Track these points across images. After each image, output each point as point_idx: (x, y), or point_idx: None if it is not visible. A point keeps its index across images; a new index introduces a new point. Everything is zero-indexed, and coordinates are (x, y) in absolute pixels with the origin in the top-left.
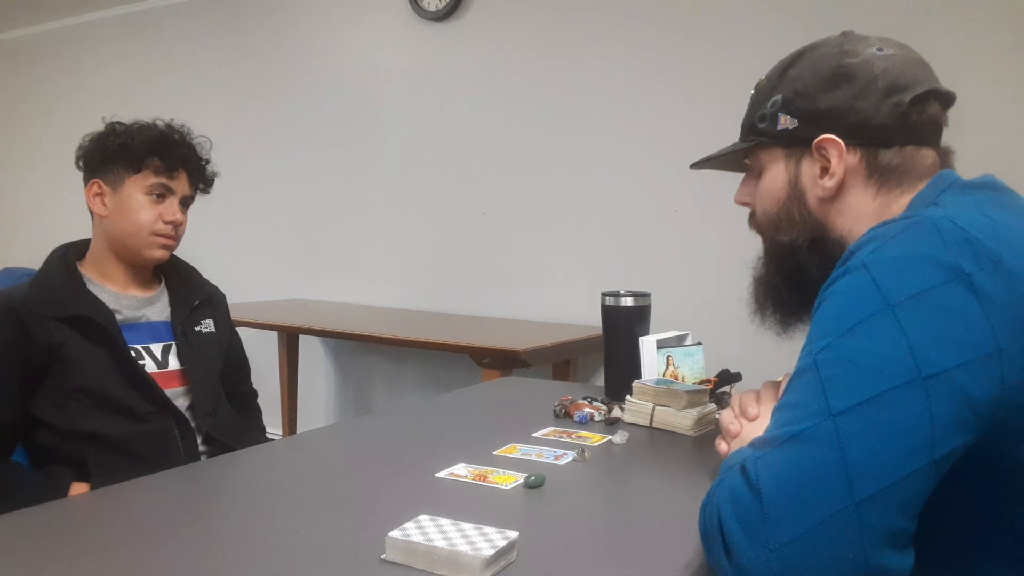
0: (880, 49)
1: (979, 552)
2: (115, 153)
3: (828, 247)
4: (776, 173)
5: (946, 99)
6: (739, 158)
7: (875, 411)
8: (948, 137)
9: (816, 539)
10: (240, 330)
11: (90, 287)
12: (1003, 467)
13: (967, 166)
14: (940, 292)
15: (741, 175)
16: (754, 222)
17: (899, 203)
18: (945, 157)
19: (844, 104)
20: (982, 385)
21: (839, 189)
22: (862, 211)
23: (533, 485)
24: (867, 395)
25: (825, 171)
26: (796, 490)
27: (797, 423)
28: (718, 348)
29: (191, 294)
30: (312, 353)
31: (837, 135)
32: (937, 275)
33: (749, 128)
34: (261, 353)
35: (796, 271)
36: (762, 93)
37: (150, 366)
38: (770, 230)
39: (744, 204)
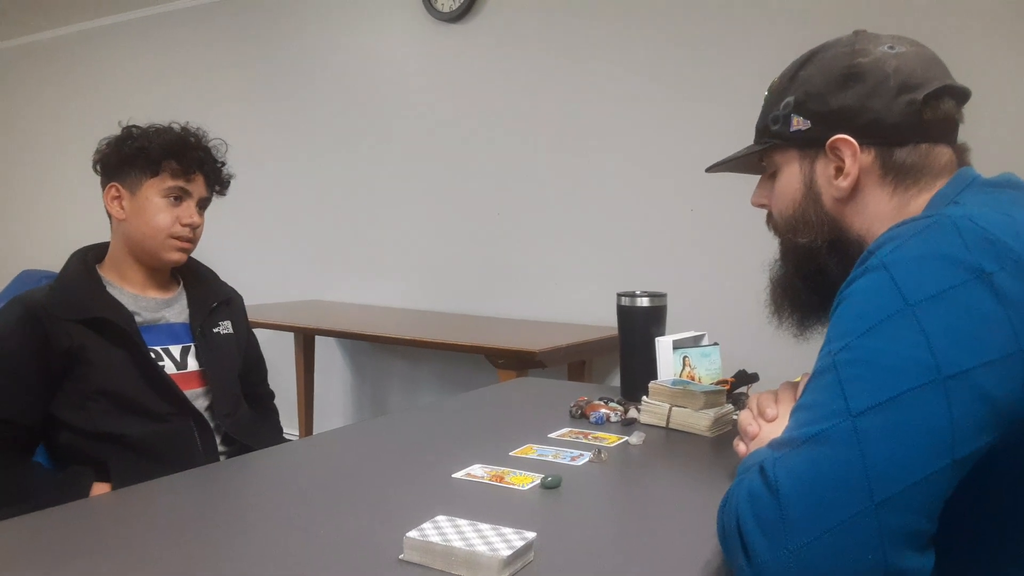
0: (892, 47)
1: (1004, 553)
2: (132, 157)
3: (846, 247)
4: (791, 174)
5: (960, 95)
6: (755, 160)
7: (895, 412)
8: (964, 133)
9: (835, 541)
10: (256, 331)
11: (109, 290)
12: None
13: (984, 163)
14: (960, 292)
15: (757, 174)
16: (771, 223)
17: (916, 202)
18: (962, 154)
19: (856, 104)
20: (1003, 386)
21: (855, 189)
22: (879, 210)
23: (550, 486)
24: (887, 395)
25: (839, 171)
26: (815, 491)
27: (816, 424)
28: (735, 348)
29: (209, 296)
30: (328, 354)
31: (850, 135)
32: (957, 275)
33: (763, 130)
34: (277, 354)
35: (815, 272)
36: (775, 95)
37: (169, 367)
38: (787, 232)
39: (761, 206)
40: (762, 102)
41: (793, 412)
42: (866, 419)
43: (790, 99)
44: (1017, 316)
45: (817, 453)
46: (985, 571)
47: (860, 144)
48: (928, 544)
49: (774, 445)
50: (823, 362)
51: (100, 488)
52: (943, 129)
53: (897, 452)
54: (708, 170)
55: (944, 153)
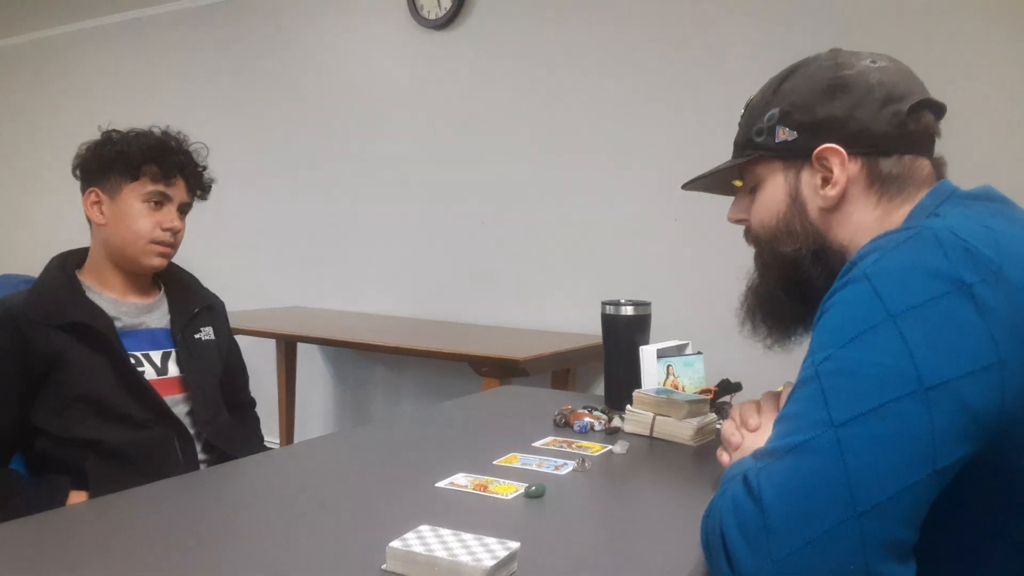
0: (874, 62)
1: (978, 562)
2: (112, 161)
3: (830, 257)
4: (775, 186)
5: (938, 109)
6: (727, 179)
7: (877, 422)
8: (944, 145)
9: (818, 550)
10: (238, 338)
11: (89, 295)
12: (1004, 478)
13: (965, 172)
14: (941, 303)
15: (731, 195)
16: (750, 236)
17: (899, 212)
18: (939, 167)
19: (844, 113)
20: (983, 396)
21: (841, 199)
22: (863, 221)
23: (534, 495)
24: (869, 406)
25: (827, 181)
26: (798, 501)
27: (799, 433)
28: (718, 358)
29: (190, 301)
30: (310, 361)
31: (839, 144)
32: (938, 286)
33: (745, 143)
34: (259, 361)
35: (799, 282)
36: (756, 109)
37: (149, 373)
38: (770, 242)
39: (739, 222)
40: (739, 118)
41: (776, 422)
42: (848, 429)
43: (774, 111)
44: (996, 327)
45: (800, 463)
46: None
47: (848, 153)
48: (909, 553)
49: (758, 455)
50: (806, 372)
51: (77, 496)
52: (925, 141)
53: (879, 462)
54: (684, 187)
55: (925, 165)
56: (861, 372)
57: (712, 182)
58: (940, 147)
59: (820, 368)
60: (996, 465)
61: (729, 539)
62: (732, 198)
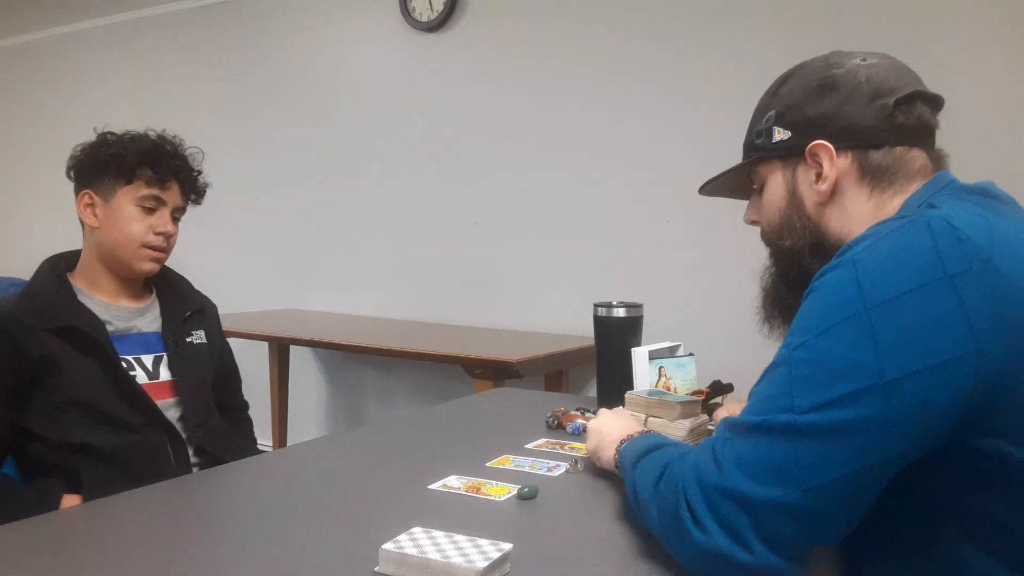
0: (864, 60)
1: (945, 536)
2: (106, 164)
3: (828, 250)
4: (776, 184)
5: (933, 101)
6: (745, 183)
7: (832, 412)
8: (948, 141)
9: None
10: (230, 341)
11: (81, 298)
12: (973, 457)
13: (966, 168)
14: (921, 294)
15: (747, 199)
16: (764, 237)
17: (892, 203)
18: (938, 160)
19: (831, 111)
20: (951, 388)
21: (834, 192)
22: (858, 213)
23: (526, 497)
24: (828, 397)
25: (819, 176)
26: (751, 473)
27: (763, 414)
28: (710, 359)
29: (182, 305)
30: (303, 364)
31: (827, 140)
32: (920, 277)
33: (748, 146)
34: (252, 364)
35: (801, 276)
36: (758, 112)
37: (141, 377)
38: (775, 239)
39: (753, 223)
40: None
41: (750, 395)
42: (807, 417)
43: (771, 113)
44: (977, 317)
45: (759, 441)
46: (946, 554)
47: (836, 148)
48: (844, 527)
49: (727, 424)
50: (782, 354)
51: (70, 500)
52: (917, 133)
53: (827, 449)
54: (701, 191)
55: (918, 157)
56: (826, 364)
57: (727, 186)
58: (943, 142)
59: (793, 354)
60: (966, 446)
61: (690, 495)
62: (726, 203)
